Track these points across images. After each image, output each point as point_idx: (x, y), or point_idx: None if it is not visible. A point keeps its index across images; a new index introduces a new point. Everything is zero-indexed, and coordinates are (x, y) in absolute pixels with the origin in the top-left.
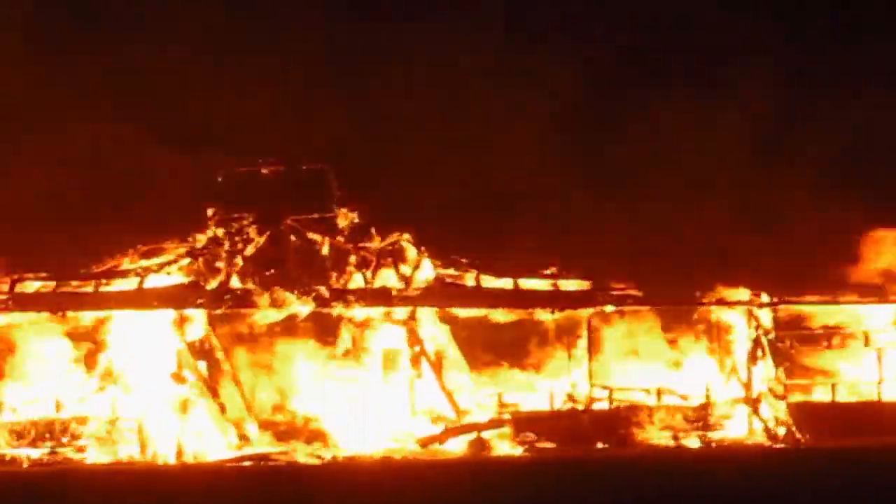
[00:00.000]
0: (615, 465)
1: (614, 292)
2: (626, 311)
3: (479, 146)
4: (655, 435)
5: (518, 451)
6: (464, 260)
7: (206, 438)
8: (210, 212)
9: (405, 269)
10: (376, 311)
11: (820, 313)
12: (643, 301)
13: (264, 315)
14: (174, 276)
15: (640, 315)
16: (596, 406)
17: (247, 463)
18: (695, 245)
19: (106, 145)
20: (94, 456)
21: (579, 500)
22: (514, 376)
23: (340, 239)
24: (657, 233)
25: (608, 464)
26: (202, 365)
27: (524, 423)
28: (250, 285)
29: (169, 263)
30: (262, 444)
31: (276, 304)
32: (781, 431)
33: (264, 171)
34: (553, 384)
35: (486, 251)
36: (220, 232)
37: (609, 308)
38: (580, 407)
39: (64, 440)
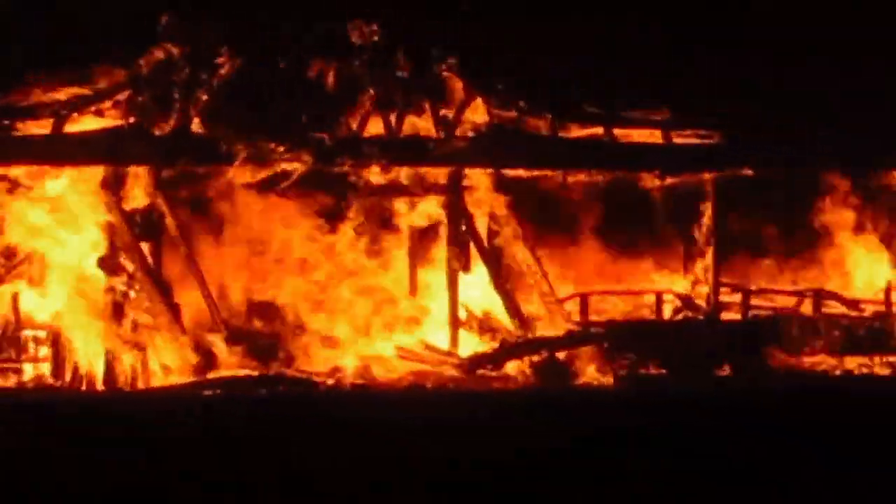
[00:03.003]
0: (746, 399)
1: (753, 148)
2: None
3: None
4: (808, 358)
5: (609, 379)
6: (533, 99)
7: (152, 355)
8: (163, 19)
9: (447, 111)
10: (404, 172)
11: None
12: (800, 160)
13: (239, 175)
14: (106, 117)
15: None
16: (723, 316)
17: (209, 392)
18: None
19: None
20: None
21: (695, 446)
22: (604, 269)
23: (353, 63)
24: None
25: (737, 397)
26: (146, 247)
27: (619, 340)
28: (219, 131)
29: (99, 98)
30: (233, 364)
31: (256, 158)
32: None
33: None
34: (662, 283)
35: (564, 84)
36: (176, 50)
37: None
38: (700, 317)
39: None
